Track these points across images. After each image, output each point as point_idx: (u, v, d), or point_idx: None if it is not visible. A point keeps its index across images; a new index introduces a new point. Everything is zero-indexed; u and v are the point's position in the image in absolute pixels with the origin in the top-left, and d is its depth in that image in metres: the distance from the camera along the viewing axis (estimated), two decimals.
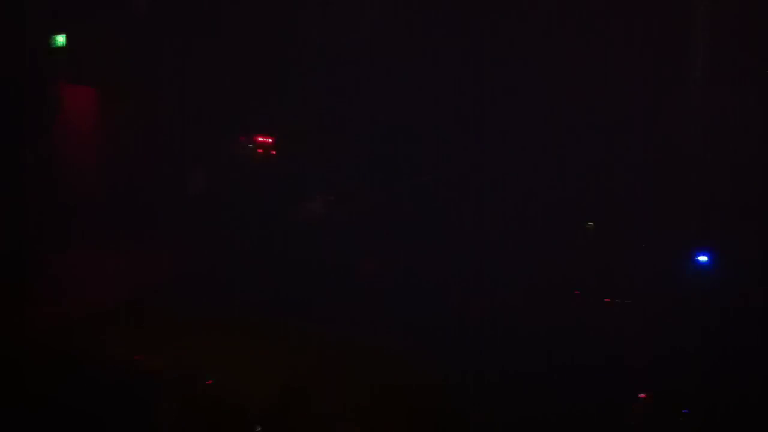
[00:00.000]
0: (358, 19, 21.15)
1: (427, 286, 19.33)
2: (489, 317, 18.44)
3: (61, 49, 21.13)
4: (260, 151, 22.39)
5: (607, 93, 19.45)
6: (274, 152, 22.30)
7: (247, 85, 21.87)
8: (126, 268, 20.61)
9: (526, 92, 20.08)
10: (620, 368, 16.91)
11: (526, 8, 19.55)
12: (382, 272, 20.28)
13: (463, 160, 20.89)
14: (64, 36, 21.15)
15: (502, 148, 20.42)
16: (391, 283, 19.77)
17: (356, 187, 21.65)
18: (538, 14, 19.54)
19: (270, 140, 22.30)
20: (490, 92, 20.62)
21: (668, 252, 18.97)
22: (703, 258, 18.89)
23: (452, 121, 20.84)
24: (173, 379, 15.22)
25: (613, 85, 19.48)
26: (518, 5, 19.69)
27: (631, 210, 19.51)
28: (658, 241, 19.15)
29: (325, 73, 21.82)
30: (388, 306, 18.98)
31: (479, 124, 20.74)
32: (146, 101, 21.97)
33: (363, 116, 21.69)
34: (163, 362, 17.37)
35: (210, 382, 16.96)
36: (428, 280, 19.48)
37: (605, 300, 18.92)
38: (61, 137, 21.01)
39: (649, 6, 18.93)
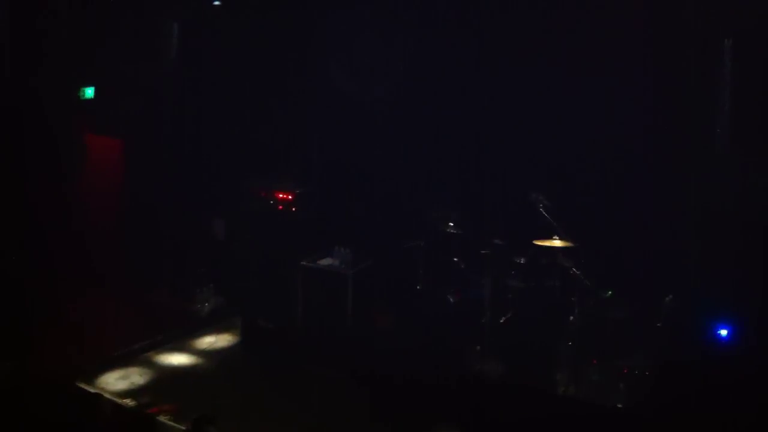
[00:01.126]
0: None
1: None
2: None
3: (89, 100, 21.45)
4: (280, 207, 22.48)
5: None
6: (294, 209, 22.35)
7: (272, 141, 22.13)
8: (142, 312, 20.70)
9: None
10: None
11: None
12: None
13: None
14: (92, 88, 21.50)
15: None
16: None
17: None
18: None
19: (290, 197, 22.40)
20: None
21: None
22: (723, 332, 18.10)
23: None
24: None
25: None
26: None
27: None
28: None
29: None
30: None
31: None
32: (169, 152, 22.28)
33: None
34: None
35: None
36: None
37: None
38: (86, 186, 21.20)
39: None
